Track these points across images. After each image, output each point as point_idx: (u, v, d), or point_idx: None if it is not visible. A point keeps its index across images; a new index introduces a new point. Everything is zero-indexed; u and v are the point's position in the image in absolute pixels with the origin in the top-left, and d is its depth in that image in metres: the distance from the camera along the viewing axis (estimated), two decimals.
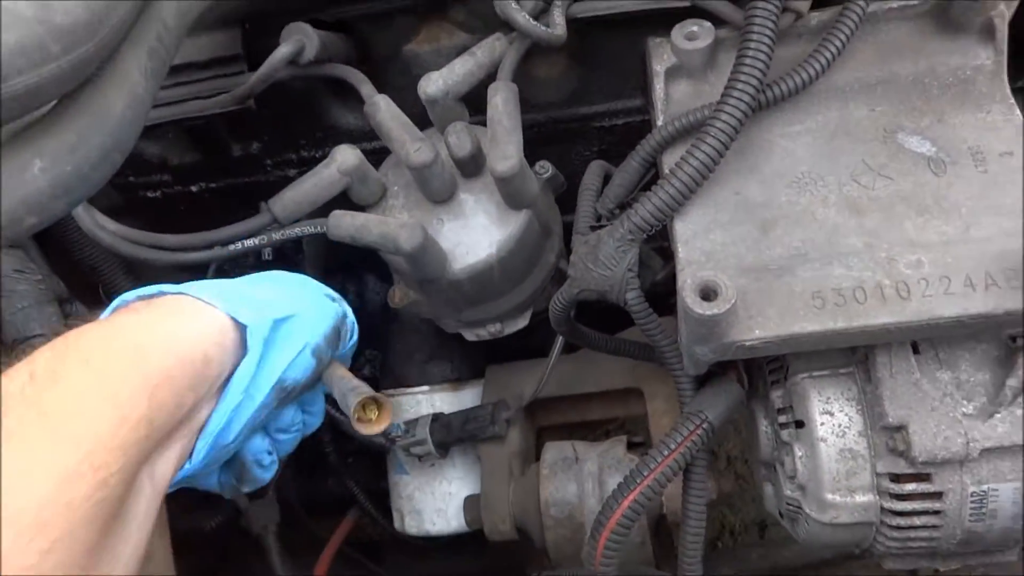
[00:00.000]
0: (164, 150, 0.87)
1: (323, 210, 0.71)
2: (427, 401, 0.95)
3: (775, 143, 0.64)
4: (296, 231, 0.70)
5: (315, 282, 0.66)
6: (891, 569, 0.72)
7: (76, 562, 0.42)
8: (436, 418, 0.91)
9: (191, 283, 0.57)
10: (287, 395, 0.59)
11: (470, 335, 0.82)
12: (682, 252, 0.61)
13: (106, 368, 0.47)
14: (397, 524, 0.98)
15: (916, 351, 0.62)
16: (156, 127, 0.84)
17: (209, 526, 1.06)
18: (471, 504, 0.90)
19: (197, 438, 0.54)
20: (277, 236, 0.70)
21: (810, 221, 0.60)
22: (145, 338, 0.50)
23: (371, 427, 0.61)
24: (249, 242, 0.70)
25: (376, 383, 1.00)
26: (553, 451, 0.86)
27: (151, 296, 0.55)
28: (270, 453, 0.63)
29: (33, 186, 0.44)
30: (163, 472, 0.51)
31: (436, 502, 0.95)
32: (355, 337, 0.66)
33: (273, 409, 0.59)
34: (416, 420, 0.92)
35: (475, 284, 0.73)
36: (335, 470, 1.07)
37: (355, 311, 0.98)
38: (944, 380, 0.61)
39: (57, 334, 0.70)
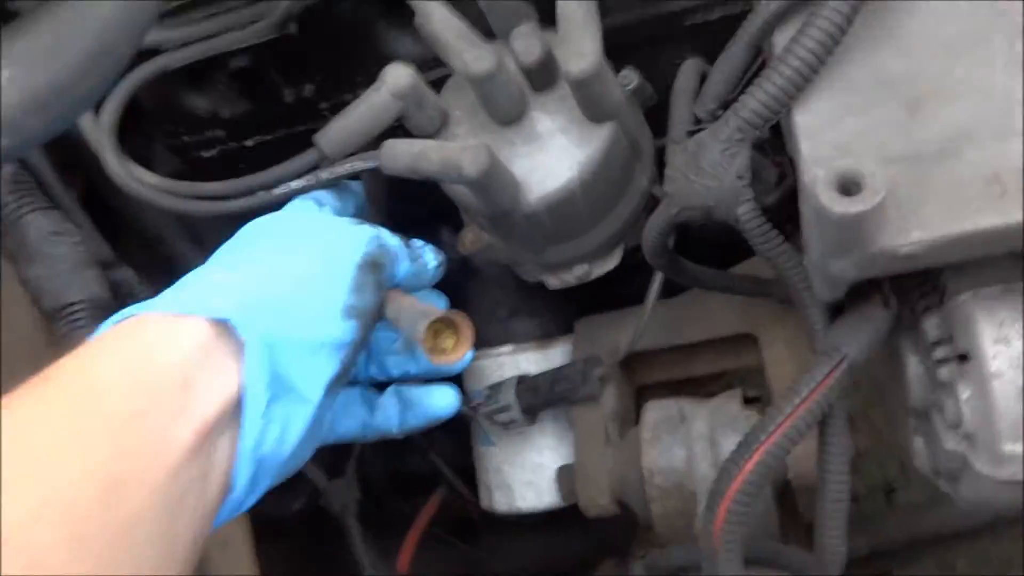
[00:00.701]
0: (214, 103, 0.81)
1: (378, 144, 0.63)
2: (512, 362, 0.85)
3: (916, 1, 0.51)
4: (347, 167, 0.61)
5: (323, 215, 0.57)
6: None
7: None
8: (522, 380, 0.81)
9: (162, 294, 0.49)
10: (345, 371, 0.51)
11: (554, 281, 0.72)
12: (807, 148, 0.49)
13: (60, 415, 0.41)
14: (485, 501, 0.90)
15: None
16: (203, 78, 0.79)
17: (292, 509, 1.01)
18: (565, 475, 0.80)
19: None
20: (326, 175, 0.61)
21: (973, 92, 0.47)
22: (103, 375, 0.43)
23: (448, 356, 0.53)
24: (296, 183, 0.62)
25: None
26: (655, 410, 0.75)
27: (119, 321, 0.48)
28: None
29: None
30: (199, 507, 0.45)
31: (526, 474, 0.86)
32: (405, 261, 0.58)
33: (336, 398, 0.52)
34: (500, 384, 0.82)
35: (555, 216, 0.63)
36: (418, 445, 1.00)
37: None
38: None
39: (97, 301, 0.66)
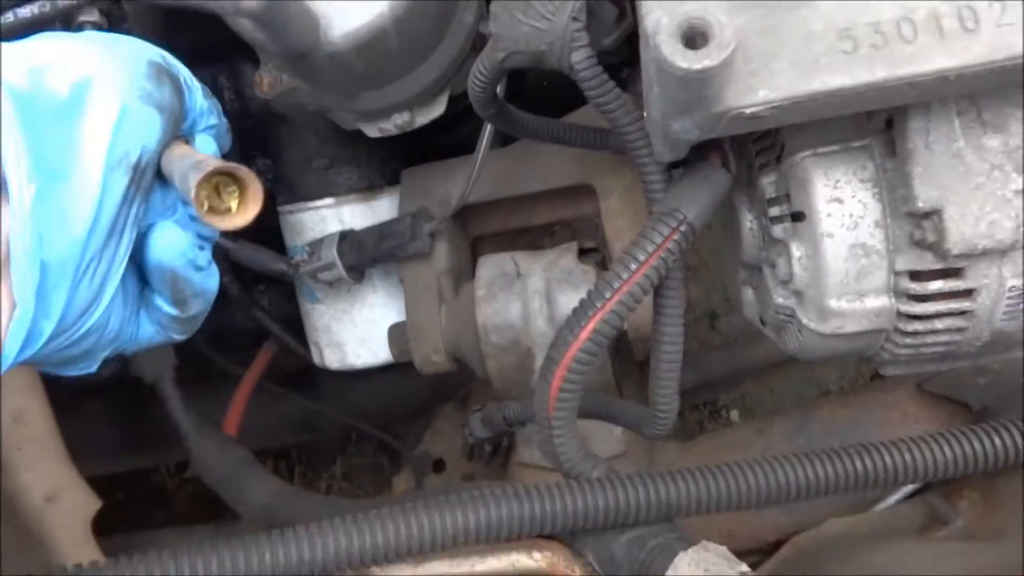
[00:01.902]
0: None
1: None
2: (334, 216, 0.78)
3: None
4: None
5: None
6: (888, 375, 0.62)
7: None
8: (345, 236, 0.74)
9: None
10: (140, 173, 0.41)
11: (372, 130, 0.64)
12: None
13: None
14: (316, 359, 0.85)
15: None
16: None
17: (98, 377, 0.92)
18: (396, 334, 0.76)
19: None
20: (63, 1, 0.48)
21: None
22: None
23: (229, 218, 0.43)
24: (24, 11, 0.48)
25: (272, 199, 0.81)
26: (490, 266, 0.71)
27: None
28: (202, 248, 0.46)
29: None
30: None
31: (358, 331, 0.81)
32: (198, 95, 0.46)
33: (143, 197, 0.42)
34: (321, 240, 0.75)
35: (366, 57, 0.53)
36: (241, 302, 0.92)
37: (235, 113, 0.77)
38: (992, 148, 0.46)
39: None
